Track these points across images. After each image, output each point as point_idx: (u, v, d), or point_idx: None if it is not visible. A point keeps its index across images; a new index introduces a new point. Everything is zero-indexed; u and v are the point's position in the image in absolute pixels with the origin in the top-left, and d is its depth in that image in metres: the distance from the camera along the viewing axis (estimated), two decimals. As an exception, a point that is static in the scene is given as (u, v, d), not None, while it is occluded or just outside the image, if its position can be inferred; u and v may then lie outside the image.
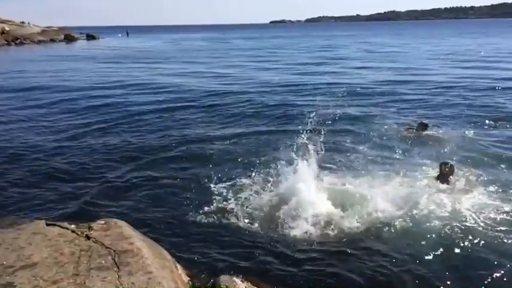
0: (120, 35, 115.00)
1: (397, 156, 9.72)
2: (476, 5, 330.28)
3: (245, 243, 6.56)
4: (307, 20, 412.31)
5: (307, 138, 8.50)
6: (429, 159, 9.73)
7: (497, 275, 5.63)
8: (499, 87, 20.23)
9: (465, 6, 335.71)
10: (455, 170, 8.54)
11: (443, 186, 8.17)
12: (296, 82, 23.61)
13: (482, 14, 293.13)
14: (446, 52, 42.24)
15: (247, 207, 7.69)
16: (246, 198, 8.00)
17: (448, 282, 5.51)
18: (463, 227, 6.76)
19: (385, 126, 13.00)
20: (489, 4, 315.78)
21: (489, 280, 5.55)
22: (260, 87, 21.89)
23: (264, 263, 6.07)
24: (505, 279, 5.57)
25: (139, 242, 5.27)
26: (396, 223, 6.92)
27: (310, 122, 8.61)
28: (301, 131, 8.53)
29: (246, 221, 7.22)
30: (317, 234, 6.79)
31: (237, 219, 7.26)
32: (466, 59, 35.08)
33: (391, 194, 7.76)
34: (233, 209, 7.59)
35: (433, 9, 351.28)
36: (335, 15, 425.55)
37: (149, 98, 18.80)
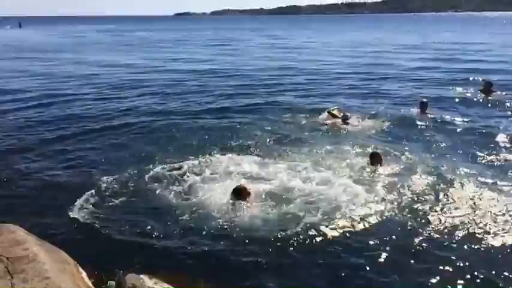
0: (9, 26, 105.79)
1: (328, 147, 10.19)
2: (369, 1, 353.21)
3: (153, 240, 6.49)
4: (213, 13, 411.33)
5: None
6: (356, 148, 10.16)
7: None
8: (390, 75, 22.24)
9: (360, 1, 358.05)
10: (383, 158, 9.03)
11: (375, 173, 8.54)
12: (208, 68, 24.15)
13: (375, 9, 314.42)
14: (350, 44, 44.84)
15: (151, 204, 7.62)
16: (148, 196, 7.92)
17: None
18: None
19: (310, 119, 13.27)
20: (380, 0, 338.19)
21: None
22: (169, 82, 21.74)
23: (173, 258, 6.08)
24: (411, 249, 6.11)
25: (35, 247, 4.97)
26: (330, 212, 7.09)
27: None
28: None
29: (152, 217, 7.14)
30: (232, 227, 6.76)
31: (143, 217, 7.14)
32: (367, 50, 37.53)
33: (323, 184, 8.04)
34: (137, 208, 7.49)
35: (331, 4, 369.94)
36: (239, 8, 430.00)
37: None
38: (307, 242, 6.31)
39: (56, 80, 21.86)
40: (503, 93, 15.79)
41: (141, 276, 5.45)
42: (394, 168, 8.78)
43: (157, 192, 8.00)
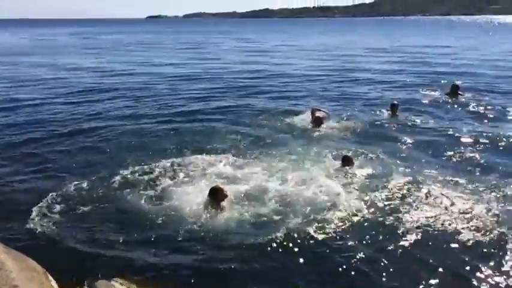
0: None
1: (302, 149, 10.31)
2: (340, 5, 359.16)
3: (124, 246, 6.40)
4: (185, 16, 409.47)
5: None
6: (330, 150, 10.24)
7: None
8: (361, 78, 22.62)
9: (331, 6, 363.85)
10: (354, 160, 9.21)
11: (348, 175, 8.64)
12: (179, 73, 24.03)
13: (346, 13, 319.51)
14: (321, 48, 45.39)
15: (122, 210, 7.51)
16: (118, 201, 7.79)
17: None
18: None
19: (283, 121, 13.32)
20: (351, 4, 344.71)
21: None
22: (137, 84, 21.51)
23: (144, 264, 6.00)
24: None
25: (2, 255, 4.83)
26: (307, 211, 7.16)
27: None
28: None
29: (123, 223, 7.04)
30: (206, 231, 6.69)
31: (113, 223, 7.04)
32: (331, 54, 38.04)
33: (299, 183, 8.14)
34: (107, 213, 7.37)
35: (304, 8, 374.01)
36: (212, 12, 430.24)
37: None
38: (284, 244, 6.29)
39: (22, 84, 21.26)
40: (469, 95, 16.28)
41: (112, 282, 5.37)
42: (366, 170, 8.92)
43: (128, 197, 7.87)
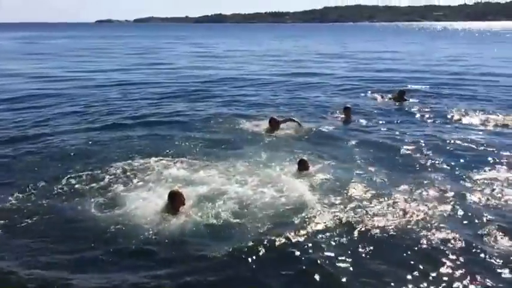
0: None
1: (256, 154, 10.23)
2: (291, 11, 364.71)
3: (72, 257, 6.11)
4: (136, 20, 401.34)
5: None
6: (286, 154, 10.26)
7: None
8: (312, 82, 23.03)
9: (283, 12, 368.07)
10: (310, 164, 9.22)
11: (304, 178, 8.68)
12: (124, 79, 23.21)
13: (296, 19, 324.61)
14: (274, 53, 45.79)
15: (69, 221, 7.15)
16: (65, 212, 7.43)
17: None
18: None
19: (237, 126, 13.23)
20: (301, 10, 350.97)
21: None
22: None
23: (93, 276, 5.74)
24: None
25: None
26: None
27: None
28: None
29: (71, 234, 6.71)
30: (162, 238, 6.47)
31: (60, 235, 6.70)
32: (285, 59, 38.53)
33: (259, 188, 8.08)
34: (54, 225, 7.00)
35: (256, 13, 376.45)
36: (164, 16, 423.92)
37: None
38: (246, 250, 6.13)
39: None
40: (415, 100, 16.94)
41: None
42: (322, 172, 9.04)
43: (78, 207, 7.47)
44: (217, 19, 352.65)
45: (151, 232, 6.58)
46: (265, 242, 6.30)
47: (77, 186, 8.33)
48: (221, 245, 6.25)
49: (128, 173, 8.85)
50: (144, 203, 7.42)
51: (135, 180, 8.50)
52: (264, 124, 12.83)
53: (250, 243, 6.28)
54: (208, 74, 26.86)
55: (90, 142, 11.47)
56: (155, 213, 7.10)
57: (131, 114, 15.15)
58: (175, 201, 7.18)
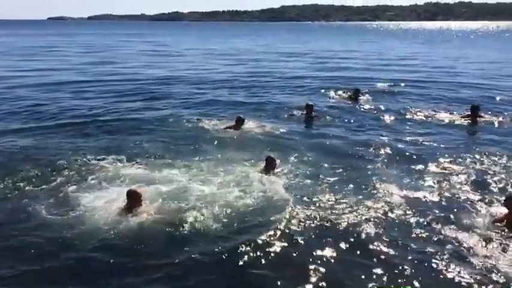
0: None
1: (219, 152, 10.14)
2: (249, 9, 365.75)
3: (26, 263, 5.82)
4: (90, 18, 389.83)
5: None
6: (251, 153, 10.20)
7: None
8: (271, 82, 23.01)
9: (241, 10, 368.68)
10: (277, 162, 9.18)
11: (270, 176, 8.67)
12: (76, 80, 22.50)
13: (254, 18, 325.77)
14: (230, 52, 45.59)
15: (18, 225, 6.79)
16: (14, 216, 7.06)
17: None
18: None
19: (197, 125, 13.04)
20: (259, 9, 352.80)
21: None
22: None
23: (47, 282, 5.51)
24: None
25: None
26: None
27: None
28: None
29: (22, 240, 6.39)
30: (119, 240, 6.28)
31: (13, 240, 6.38)
32: (244, 58, 38.51)
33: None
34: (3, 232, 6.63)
35: (214, 12, 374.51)
36: (120, 14, 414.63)
37: None
38: (208, 251, 6.03)
39: None
40: (370, 98, 17.35)
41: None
42: (288, 169, 9.13)
43: (28, 209, 7.09)
44: (175, 17, 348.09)
45: (107, 235, 6.34)
46: (229, 243, 6.22)
47: (26, 188, 7.95)
48: (183, 247, 6.12)
49: (83, 173, 8.57)
50: (99, 203, 7.17)
51: (90, 181, 8.23)
52: (225, 123, 12.76)
53: (213, 244, 6.17)
54: (165, 73, 26.35)
55: (40, 142, 10.99)
56: (112, 214, 6.86)
57: (84, 113, 14.65)
58: (133, 200, 6.93)
